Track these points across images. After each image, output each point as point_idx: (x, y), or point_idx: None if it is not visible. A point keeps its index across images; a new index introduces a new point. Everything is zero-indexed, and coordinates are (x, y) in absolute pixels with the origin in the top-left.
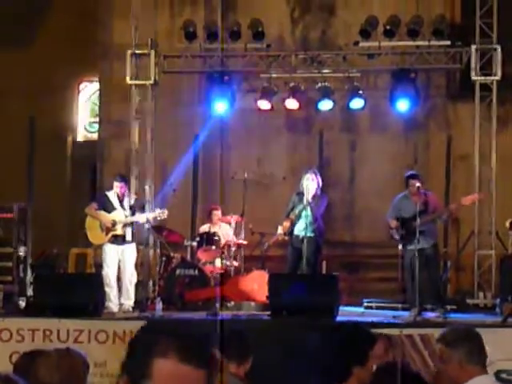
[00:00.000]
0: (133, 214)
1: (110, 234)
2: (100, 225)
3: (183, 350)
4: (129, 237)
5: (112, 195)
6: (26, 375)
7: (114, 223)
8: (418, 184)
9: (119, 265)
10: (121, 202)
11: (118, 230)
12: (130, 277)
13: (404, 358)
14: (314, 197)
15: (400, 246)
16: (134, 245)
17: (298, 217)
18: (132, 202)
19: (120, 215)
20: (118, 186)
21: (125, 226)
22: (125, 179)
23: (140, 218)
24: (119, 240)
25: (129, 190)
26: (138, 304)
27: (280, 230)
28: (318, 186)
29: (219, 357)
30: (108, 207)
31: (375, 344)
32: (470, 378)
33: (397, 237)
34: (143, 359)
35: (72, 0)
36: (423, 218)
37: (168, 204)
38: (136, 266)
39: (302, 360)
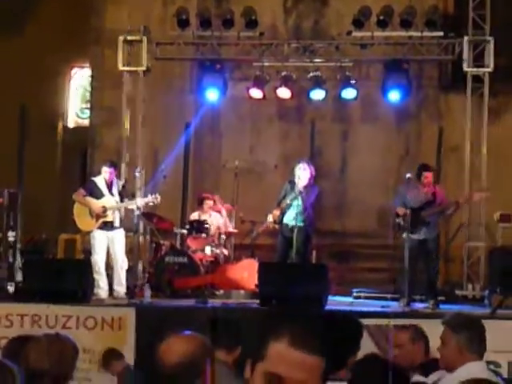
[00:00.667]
0: (121, 200)
1: (100, 221)
2: (89, 211)
3: (295, 335)
4: (117, 223)
5: (100, 181)
6: (15, 360)
7: (105, 209)
8: (431, 176)
9: (109, 251)
10: (109, 188)
11: (109, 217)
12: (122, 263)
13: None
14: (305, 186)
15: (404, 235)
16: (122, 230)
17: (289, 206)
18: (120, 188)
19: (110, 201)
20: (107, 171)
21: (114, 211)
22: (114, 165)
23: (132, 203)
24: (108, 226)
25: (118, 176)
26: (128, 290)
27: (270, 219)
28: (311, 175)
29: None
30: (96, 193)
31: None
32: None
33: (402, 223)
34: (261, 341)
35: None
36: (430, 209)
37: (158, 191)
38: (126, 252)
39: None
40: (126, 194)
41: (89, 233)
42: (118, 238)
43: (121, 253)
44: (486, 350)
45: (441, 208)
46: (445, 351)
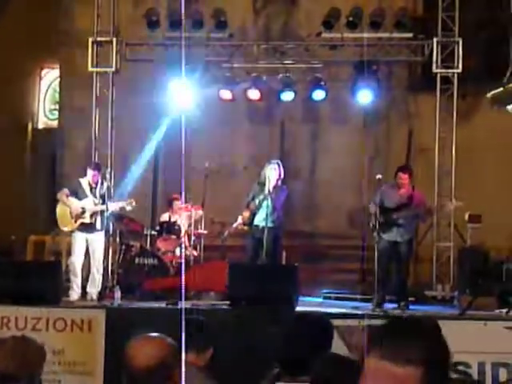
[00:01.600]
0: (103, 202)
1: (78, 222)
2: (70, 212)
3: (384, 347)
4: (98, 225)
5: (84, 182)
6: None
7: (83, 211)
8: (407, 178)
9: (86, 253)
10: (92, 189)
11: (87, 218)
12: (98, 265)
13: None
14: (274, 187)
15: (374, 234)
16: (102, 233)
17: (259, 207)
18: (103, 190)
19: (89, 203)
20: (90, 173)
21: (93, 214)
22: (98, 167)
23: (109, 206)
24: (88, 228)
25: (101, 178)
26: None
27: (240, 220)
28: (280, 177)
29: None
30: (79, 194)
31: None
32: None
33: (373, 223)
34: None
35: None
36: (405, 211)
37: (129, 193)
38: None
39: (262, 350)
40: (109, 196)
41: (65, 233)
42: (98, 240)
43: (99, 255)
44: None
45: (414, 212)
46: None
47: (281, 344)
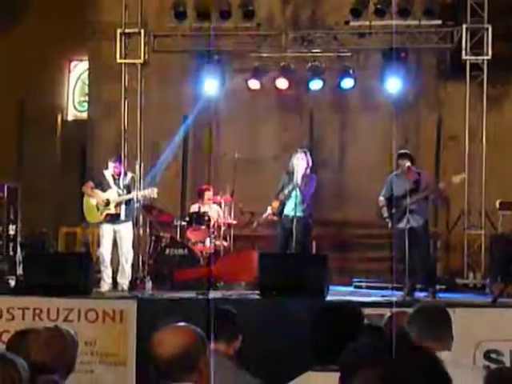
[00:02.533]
0: (128, 192)
1: (104, 213)
2: (96, 203)
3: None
4: (123, 216)
5: (108, 174)
6: (17, 354)
7: (108, 202)
8: (407, 164)
9: (116, 244)
10: (116, 181)
11: (112, 209)
12: (126, 255)
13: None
14: (303, 176)
15: (389, 225)
16: (130, 224)
17: (288, 197)
18: (127, 180)
19: (113, 194)
20: (112, 165)
21: (118, 204)
22: (119, 159)
23: (132, 196)
24: (114, 219)
25: (124, 169)
26: (129, 283)
27: (269, 210)
28: (308, 165)
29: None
30: (104, 186)
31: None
32: None
33: (386, 215)
34: None
35: None
36: (413, 196)
37: (158, 183)
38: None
39: (293, 340)
40: (133, 186)
41: (96, 225)
42: (125, 231)
43: (127, 246)
44: (451, 338)
45: (423, 194)
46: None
47: (311, 333)
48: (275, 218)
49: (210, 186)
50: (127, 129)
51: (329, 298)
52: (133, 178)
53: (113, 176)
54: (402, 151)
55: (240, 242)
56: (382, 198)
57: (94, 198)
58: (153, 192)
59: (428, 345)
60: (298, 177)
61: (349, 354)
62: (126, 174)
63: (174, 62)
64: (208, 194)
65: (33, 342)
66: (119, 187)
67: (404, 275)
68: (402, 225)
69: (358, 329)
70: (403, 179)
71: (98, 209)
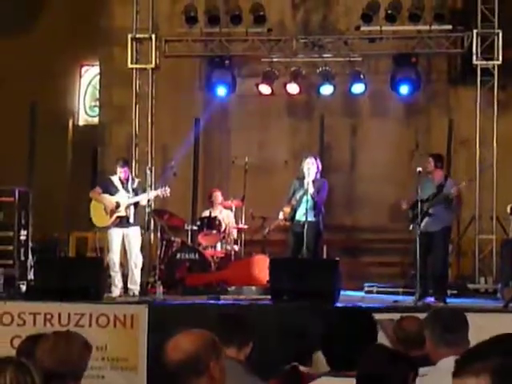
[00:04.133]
0: (136, 196)
1: (113, 216)
2: (104, 208)
3: (498, 374)
4: (132, 219)
5: (116, 179)
6: (27, 359)
7: (118, 205)
8: (432, 164)
9: (124, 248)
10: (124, 185)
11: (122, 212)
12: (136, 259)
13: None
14: (313, 181)
15: (411, 227)
16: (138, 228)
17: (299, 202)
18: (135, 185)
19: (123, 197)
20: (120, 171)
21: (128, 207)
22: (127, 164)
23: (142, 197)
24: (123, 222)
25: (131, 174)
26: (140, 288)
27: (281, 216)
28: (318, 170)
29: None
30: (112, 190)
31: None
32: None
33: (410, 216)
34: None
35: None
36: (434, 200)
37: (168, 187)
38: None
39: (303, 344)
40: (141, 190)
41: (104, 229)
42: (133, 234)
43: (135, 250)
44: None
45: (442, 198)
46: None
47: (323, 338)
48: (287, 223)
49: (218, 189)
50: (138, 133)
51: (340, 302)
52: (140, 182)
53: (121, 181)
54: (437, 153)
55: (251, 246)
56: (403, 202)
57: (102, 203)
58: (166, 191)
59: (442, 350)
60: (309, 182)
61: (366, 359)
62: (133, 179)
63: (185, 66)
64: (217, 195)
65: (40, 347)
66: (127, 191)
67: (415, 280)
68: (420, 228)
69: (372, 335)
70: (430, 182)
71: (106, 213)
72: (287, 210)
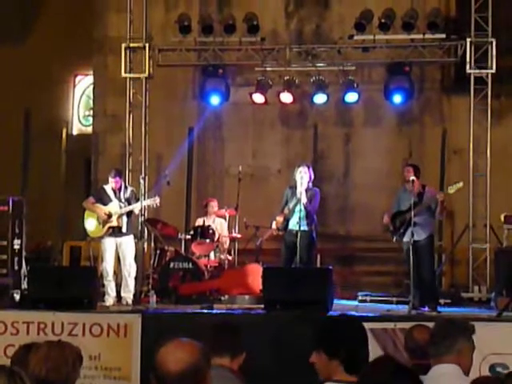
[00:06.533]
0: (128, 205)
1: (106, 226)
2: (97, 218)
3: None
4: (125, 228)
5: (108, 188)
6: (21, 368)
7: (110, 215)
8: (412, 176)
9: (118, 258)
10: (117, 194)
11: (114, 222)
12: (129, 268)
13: (397, 351)
14: (306, 190)
15: (394, 239)
16: (131, 237)
17: (292, 211)
18: (128, 194)
19: (115, 206)
20: (112, 181)
21: (120, 217)
22: (119, 174)
23: (134, 207)
24: (116, 232)
25: (124, 182)
26: (134, 297)
27: (274, 225)
28: (310, 179)
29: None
30: (105, 200)
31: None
32: None
33: (391, 229)
34: None
35: None
36: (415, 209)
37: (162, 196)
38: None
39: (296, 354)
40: (134, 199)
41: (98, 239)
42: (127, 244)
43: (129, 259)
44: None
45: (424, 206)
46: None
47: (314, 347)
48: (280, 233)
49: (215, 198)
50: (132, 142)
51: (333, 311)
52: (133, 191)
53: (113, 190)
54: (409, 162)
55: (244, 255)
56: (385, 216)
57: (95, 212)
58: (155, 201)
59: (447, 359)
60: (302, 191)
61: (368, 370)
62: (126, 188)
63: (179, 75)
64: (212, 206)
65: (32, 356)
66: (120, 201)
67: (408, 289)
68: (406, 238)
69: (363, 343)
70: (409, 193)
71: (99, 223)
72: (280, 219)
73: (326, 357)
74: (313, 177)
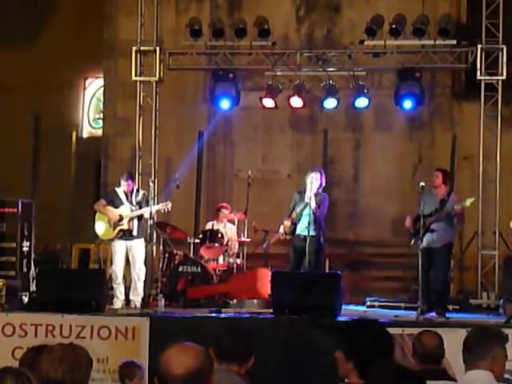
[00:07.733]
0: (140, 208)
1: (117, 229)
2: (108, 220)
3: None
4: (135, 231)
5: (120, 191)
6: (30, 370)
7: (121, 218)
8: (438, 180)
9: (127, 261)
10: (128, 197)
11: (125, 225)
12: (138, 272)
13: (405, 357)
14: (314, 195)
15: (412, 242)
16: (142, 240)
17: (300, 216)
18: (139, 197)
19: (126, 210)
20: (124, 184)
21: (131, 220)
22: (131, 177)
23: (145, 211)
24: (127, 235)
25: (136, 186)
26: (142, 300)
27: (281, 230)
28: (321, 186)
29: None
30: (116, 203)
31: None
32: None
33: (412, 231)
34: None
35: None
36: (435, 215)
37: (171, 200)
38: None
39: (305, 358)
40: (145, 202)
41: (108, 242)
42: (137, 247)
43: (139, 262)
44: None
45: (444, 214)
46: None
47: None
48: (287, 237)
49: (228, 204)
50: (142, 146)
51: (341, 317)
52: (144, 194)
53: (125, 193)
54: (439, 167)
55: (253, 260)
56: (407, 218)
57: (106, 215)
58: (167, 206)
59: (481, 365)
60: (311, 195)
61: (375, 374)
62: (138, 191)
63: (189, 79)
64: (224, 212)
65: (46, 358)
66: (132, 204)
67: (417, 295)
68: (423, 243)
69: (383, 352)
70: (433, 197)
71: (110, 225)
72: (287, 223)
73: (343, 356)
74: (324, 184)
